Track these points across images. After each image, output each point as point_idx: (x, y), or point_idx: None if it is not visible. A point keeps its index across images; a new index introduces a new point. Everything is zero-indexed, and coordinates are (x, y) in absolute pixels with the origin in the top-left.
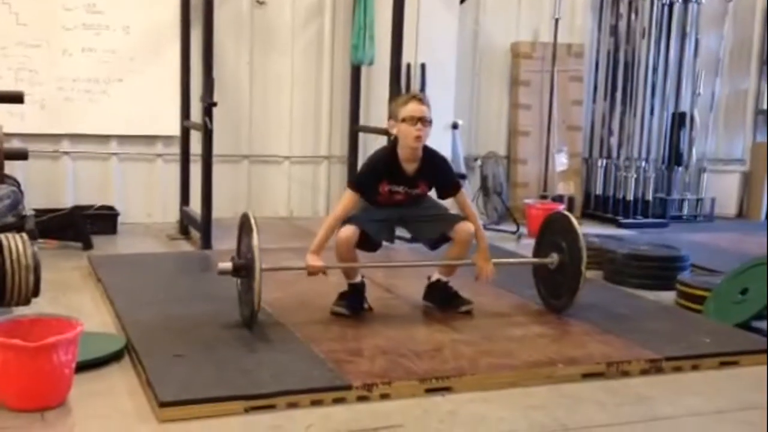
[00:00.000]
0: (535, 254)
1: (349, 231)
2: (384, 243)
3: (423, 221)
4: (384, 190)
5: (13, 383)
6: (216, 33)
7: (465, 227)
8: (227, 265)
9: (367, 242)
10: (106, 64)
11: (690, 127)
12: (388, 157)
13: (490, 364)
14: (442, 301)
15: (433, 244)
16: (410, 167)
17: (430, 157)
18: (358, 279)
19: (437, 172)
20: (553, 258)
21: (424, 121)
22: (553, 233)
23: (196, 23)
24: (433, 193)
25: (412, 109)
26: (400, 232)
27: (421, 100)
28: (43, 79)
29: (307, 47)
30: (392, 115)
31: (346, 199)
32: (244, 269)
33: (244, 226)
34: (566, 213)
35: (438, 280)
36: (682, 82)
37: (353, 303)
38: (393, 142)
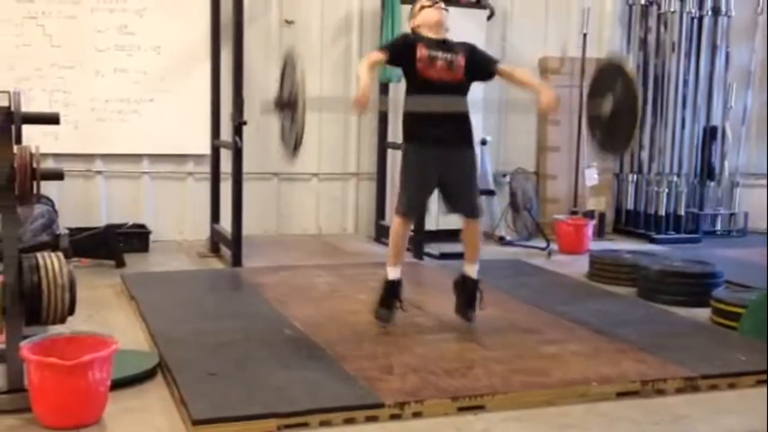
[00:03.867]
0: (588, 106)
1: (401, 226)
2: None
3: (456, 189)
4: (423, 54)
5: (49, 401)
6: (245, 52)
7: (471, 229)
8: (270, 102)
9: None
10: (137, 85)
11: (722, 141)
12: (413, 33)
13: (523, 382)
14: (463, 298)
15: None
16: (441, 36)
17: (458, 41)
18: (398, 274)
19: (472, 50)
20: (606, 106)
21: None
22: (604, 82)
23: (226, 43)
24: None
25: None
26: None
27: None
28: (77, 100)
29: (335, 65)
30: (412, 15)
31: (372, 55)
32: (287, 104)
33: (288, 64)
34: (616, 61)
35: (463, 275)
36: (713, 96)
37: (390, 303)
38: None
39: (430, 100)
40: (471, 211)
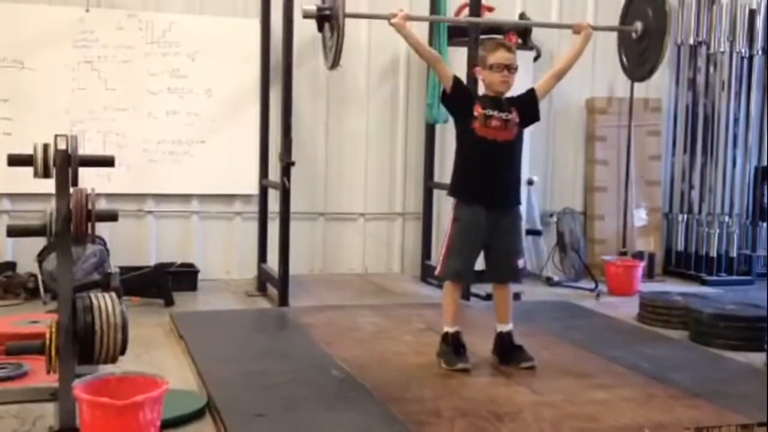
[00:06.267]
0: (622, 23)
1: (453, 290)
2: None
3: (501, 256)
4: (479, 112)
5: None
6: (294, 94)
7: (507, 292)
8: (312, 8)
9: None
10: (189, 126)
11: None
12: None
13: (574, 428)
14: (504, 353)
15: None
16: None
17: (512, 96)
18: (458, 327)
19: (518, 99)
20: (637, 26)
21: (511, 68)
22: (640, 1)
23: (275, 85)
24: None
25: (500, 56)
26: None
27: (510, 48)
28: (130, 142)
29: (381, 106)
30: (480, 62)
31: (442, 62)
32: (328, 9)
33: None
34: None
35: (500, 333)
36: (765, 135)
37: (462, 351)
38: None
39: (486, 161)
40: (512, 278)
